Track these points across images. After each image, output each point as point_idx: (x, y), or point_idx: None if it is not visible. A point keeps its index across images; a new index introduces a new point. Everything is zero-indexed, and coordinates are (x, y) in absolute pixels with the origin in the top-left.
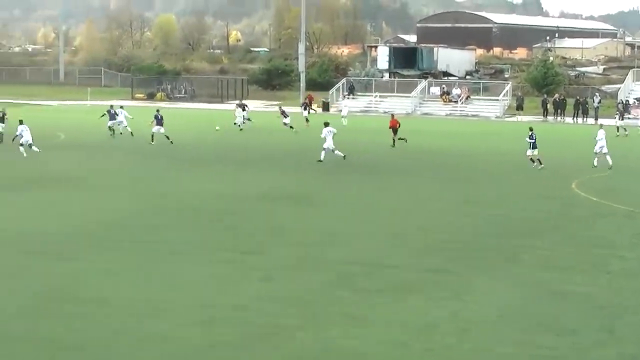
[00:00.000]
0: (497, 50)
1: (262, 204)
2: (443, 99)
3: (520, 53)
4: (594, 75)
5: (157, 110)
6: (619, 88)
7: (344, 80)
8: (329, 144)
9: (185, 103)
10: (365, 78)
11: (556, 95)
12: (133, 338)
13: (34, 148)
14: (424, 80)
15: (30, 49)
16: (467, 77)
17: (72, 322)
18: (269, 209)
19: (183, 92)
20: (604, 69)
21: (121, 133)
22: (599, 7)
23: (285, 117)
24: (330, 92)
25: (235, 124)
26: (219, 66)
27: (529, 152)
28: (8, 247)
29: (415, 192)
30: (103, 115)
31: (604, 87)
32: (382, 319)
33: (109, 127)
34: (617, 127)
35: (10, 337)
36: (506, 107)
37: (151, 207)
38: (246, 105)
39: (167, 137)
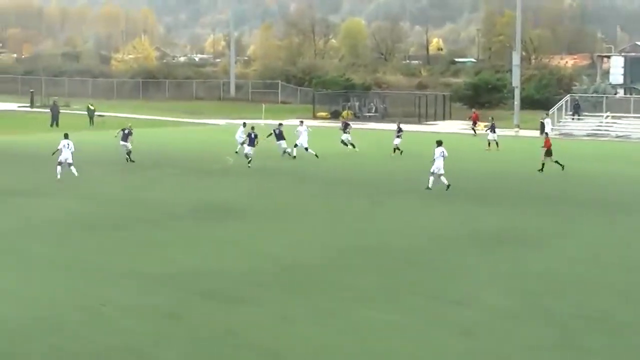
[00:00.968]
0: None
1: (461, 243)
2: None
3: None
4: None
5: (280, 124)
6: None
7: (567, 97)
8: (436, 166)
9: (376, 123)
10: (594, 95)
11: None
12: None
13: (73, 169)
14: None
15: (197, 59)
16: None
17: None
18: (470, 249)
19: (373, 110)
20: None
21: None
22: None
23: (346, 132)
24: (551, 111)
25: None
26: (417, 80)
27: None
28: (180, 285)
29: None
30: (270, 135)
31: None
32: None
33: (284, 150)
34: None
35: None
36: None
37: (336, 245)
38: (302, 122)
39: (285, 152)
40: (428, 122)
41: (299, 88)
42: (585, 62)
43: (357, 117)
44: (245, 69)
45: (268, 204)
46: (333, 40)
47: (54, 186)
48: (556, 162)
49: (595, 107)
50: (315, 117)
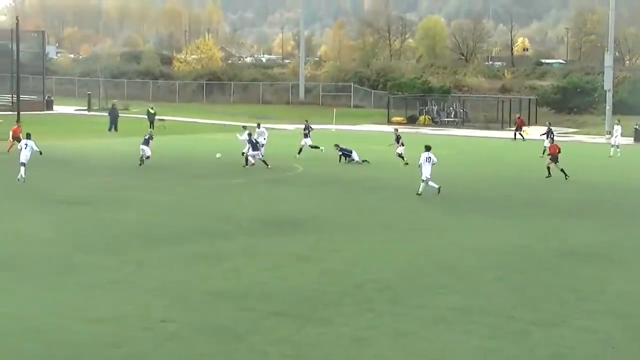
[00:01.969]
0: None
1: (556, 261)
2: None
3: None
4: None
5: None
6: None
7: None
8: (424, 173)
9: (455, 129)
10: None
11: None
12: None
13: (22, 171)
14: None
15: (264, 60)
16: None
17: None
18: (564, 267)
19: (453, 115)
20: None
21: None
22: None
23: (400, 146)
24: None
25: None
26: (500, 82)
27: None
28: (246, 302)
29: None
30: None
31: None
32: None
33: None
34: None
35: None
36: None
37: (410, 260)
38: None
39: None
40: (512, 128)
41: (372, 91)
42: None
43: (435, 123)
44: (315, 70)
45: (338, 215)
46: (410, 40)
47: (111, 195)
48: (561, 170)
49: None
50: (389, 122)
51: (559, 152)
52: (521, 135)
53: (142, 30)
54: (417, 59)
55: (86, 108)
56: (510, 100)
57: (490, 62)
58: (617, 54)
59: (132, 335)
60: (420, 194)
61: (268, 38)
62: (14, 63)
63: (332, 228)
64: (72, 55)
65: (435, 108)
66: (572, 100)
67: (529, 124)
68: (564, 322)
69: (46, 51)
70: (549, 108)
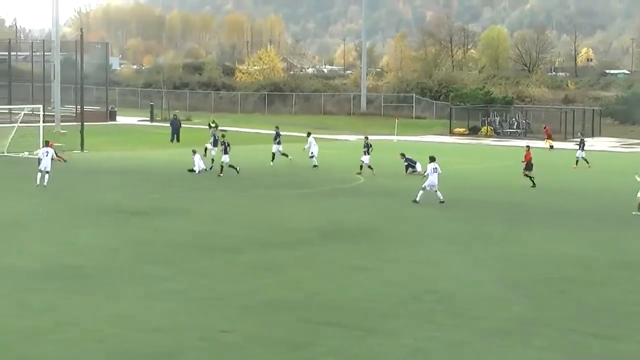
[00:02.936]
0: None
1: (617, 272)
2: None
3: None
4: None
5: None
6: None
7: None
8: (430, 182)
9: (517, 140)
10: None
11: None
12: None
13: (46, 178)
14: None
15: (325, 71)
16: None
17: None
18: (625, 279)
19: (515, 126)
20: None
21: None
22: None
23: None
24: None
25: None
26: (563, 93)
27: None
28: (305, 313)
29: None
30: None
31: None
32: None
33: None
34: None
35: None
36: None
37: (473, 272)
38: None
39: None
40: (575, 139)
41: (434, 102)
42: None
43: (497, 134)
44: (377, 81)
45: (397, 226)
46: (472, 51)
47: (171, 205)
48: (531, 177)
49: None
50: (452, 134)
51: (531, 159)
52: (550, 145)
53: (205, 41)
54: (480, 70)
55: (149, 119)
56: (574, 111)
57: (554, 73)
58: None
59: (190, 345)
60: (417, 201)
61: (330, 49)
62: (78, 74)
63: (390, 239)
64: (135, 66)
65: (498, 119)
66: (636, 112)
67: (592, 135)
68: (625, 335)
69: (109, 62)
70: (613, 119)
